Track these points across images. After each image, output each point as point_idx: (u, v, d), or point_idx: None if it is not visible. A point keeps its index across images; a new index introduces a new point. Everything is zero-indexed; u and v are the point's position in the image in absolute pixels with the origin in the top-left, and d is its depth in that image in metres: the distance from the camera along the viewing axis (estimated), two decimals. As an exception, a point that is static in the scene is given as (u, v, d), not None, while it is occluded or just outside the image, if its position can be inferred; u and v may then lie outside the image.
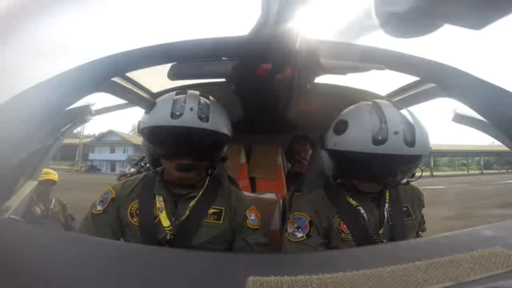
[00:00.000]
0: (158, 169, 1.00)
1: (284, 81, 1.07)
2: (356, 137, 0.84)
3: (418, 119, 0.84)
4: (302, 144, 2.11)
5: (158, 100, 0.91)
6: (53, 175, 2.40)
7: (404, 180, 0.89)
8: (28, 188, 2.13)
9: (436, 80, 1.09)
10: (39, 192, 2.29)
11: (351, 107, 0.95)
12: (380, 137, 0.80)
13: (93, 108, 1.45)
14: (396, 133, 0.79)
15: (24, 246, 0.54)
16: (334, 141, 0.90)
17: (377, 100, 0.91)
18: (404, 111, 0.86)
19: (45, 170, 2.36)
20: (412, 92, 1.33)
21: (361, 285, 0.39)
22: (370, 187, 0.91)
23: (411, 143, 0.79)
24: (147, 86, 1.43)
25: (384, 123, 0.81)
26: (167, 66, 1.04)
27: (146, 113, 0.90)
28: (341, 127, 0.88)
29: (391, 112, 0.84)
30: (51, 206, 2.38)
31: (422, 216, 1.04)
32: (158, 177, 0.97)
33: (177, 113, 0.84)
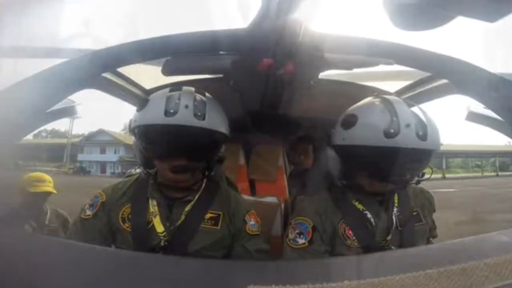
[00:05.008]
0: (151, 170, 1.00)
1: (286, 77, 1.07)
2: (367, 130, 0.85)
3: (428, 115, 0.86)
4: (302, 145, 2.11)
5: (151, 97, 0.91)
6: (49, 184, 1.83)
7: (414, 180, 0.90)
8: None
9: (449, 75, 1.09)
10: (29, 204, 1.78)
11: (360, 102, 0.96)
12: (392, 130, 0.81)
13: (78, 108, 1.44)
14: (408, 125, 0.80)
15: (12, 252, 0.54)
16: (342, 136, 0.90)
17: (387, 96, 0.92)
18: (414, 108, 0.88)
19: (35, 175, 1.84)
20: (422, 89, 1.33)
21: (368, 295, 0.40)
22: (379, 187, 0.91)
23: (423, 137, 0.81)
24: (139, 82, 1.44)
25: (395, 116, 0.82)
26: (161, 61, 1.04)
27: (138, 110, 0.90)
28: (350, 121, 0.89)
29: (402, 107, 0.85)
30: (46, 222, 1.88)
31: (433, 221, 1.03)
32: (151, 179, 0.97)
33: (171, 111, 0.84)
